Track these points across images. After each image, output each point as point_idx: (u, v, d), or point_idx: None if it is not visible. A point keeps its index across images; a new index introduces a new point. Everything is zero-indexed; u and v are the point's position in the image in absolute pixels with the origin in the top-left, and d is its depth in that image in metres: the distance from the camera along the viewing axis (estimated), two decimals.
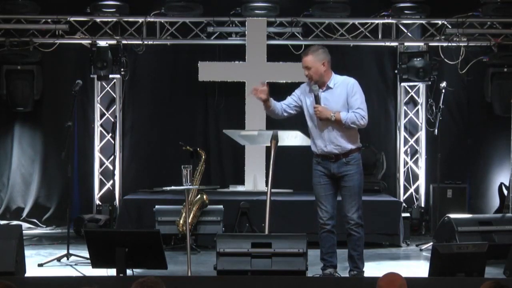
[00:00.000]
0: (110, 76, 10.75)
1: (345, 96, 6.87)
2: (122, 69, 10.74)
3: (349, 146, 6.89)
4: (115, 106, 11.05)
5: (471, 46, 10.76)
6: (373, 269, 7.59)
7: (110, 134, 10.54)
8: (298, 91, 7.09)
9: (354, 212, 6.89)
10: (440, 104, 9.50)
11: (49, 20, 10.77)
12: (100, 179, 11.04)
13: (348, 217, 6.91)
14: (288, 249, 6.59)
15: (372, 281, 6.55)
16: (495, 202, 10.59)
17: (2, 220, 10.66)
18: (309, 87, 6.98)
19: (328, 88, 6.93)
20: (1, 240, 6.85)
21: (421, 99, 11.09)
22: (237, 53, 10.82)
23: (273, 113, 7.09)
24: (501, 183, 10.40)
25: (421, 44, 10.97)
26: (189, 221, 8.04)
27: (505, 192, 10.12)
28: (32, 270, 7.45)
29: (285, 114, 7.09)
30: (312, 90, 6.90)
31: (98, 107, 11.08)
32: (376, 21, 10.90)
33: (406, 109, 11.14)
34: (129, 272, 6.36)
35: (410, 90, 11.13)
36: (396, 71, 10.90)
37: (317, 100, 6.85)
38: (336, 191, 6.99)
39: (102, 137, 11.08)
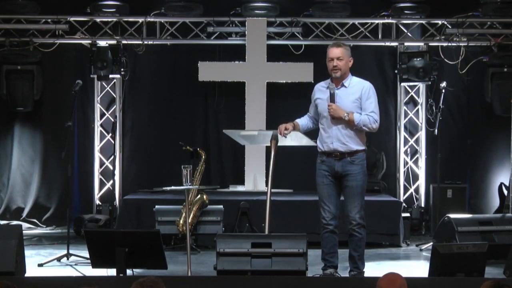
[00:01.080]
0: (110, 76, 10.75)
1: (358, 97, 6.90)
2: (122, 69, 10.74)
3: (355, 147, 6.92)
4: (115, 106, 11.05)
5: (471, 46, 10.76)
6: (373, 269, 7.59)
7: (110, 134, 10.55)
8: (312, 97, 7.10)
9: (356, 212, 6.89)
10: (440, 104, 9.50)
11: (49, 20, 10.76)
12: (100, 179, 11.04)
13: (351, 217, 6.90)
14: (288, 249, 6.58)
15: (372, 281, 6.55)
16: (495, 202, 10.59)
17: (2, 220, 10.66)
18: (326, 85, 7.00)
19: (343, 86, 6.96)
20: (1, 240, 6.85)
21: (421, 99, 11.08)
22: (237, 53, 10.82)
23: (307, 130, 7.12)
24: (501, 183, 10.40)
25: (421, 44, 10.97)
26: (189, 221, 8.05)
27: (505, 192, 10.12)
28: (32, 270, 7.45)
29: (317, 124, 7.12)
30: (329, 87, 6.91)
31: (98, 107, 11.08)
32: (376, 21, 10.90)
33: (406, 109, 11.14)
34: (129, 272, 6.36)
35: (410, 90, 11.13)
36: (396, 71, 10.90)
37: (332, 98, 6.87)
38: (339, 191, 6.98)
39: (102, 137, 11.08)
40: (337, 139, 6.88)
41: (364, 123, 6.85)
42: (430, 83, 10.68)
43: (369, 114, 6.86)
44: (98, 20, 10.82)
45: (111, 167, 10.59)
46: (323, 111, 6.96)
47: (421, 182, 11.02)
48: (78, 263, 7.94)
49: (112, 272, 6.40)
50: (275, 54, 10.79)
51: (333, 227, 6.93)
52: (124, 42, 10.82)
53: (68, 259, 8.13)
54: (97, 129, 11.06)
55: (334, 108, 6.85)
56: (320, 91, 7.06)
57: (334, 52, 6.95)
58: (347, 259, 7.03)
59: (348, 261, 7.04)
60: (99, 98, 11.08)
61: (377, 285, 4.44)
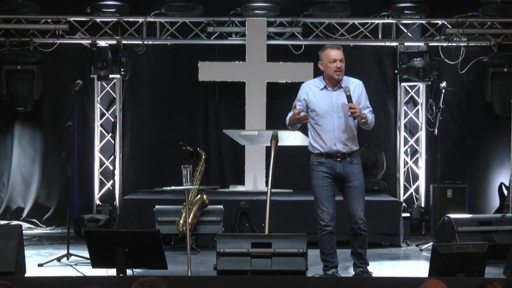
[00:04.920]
0: (110, 76, 10.75)
1: (357, 96, 6.89)
2: (122, 69, 10.74)
3: (355, 147, 6.95)
4: (115, 106, 11.05)
5: (471, 46, 10.76)
6: (373, 269, 7.56)
7: (110, 134, 10.55)
8: (302, 96, 6.98)
9: (361, 211, 6.90)
10: (440, 104, 9.50)
11: (49, 20, 10.77)
12: (100, 179, 11.04)
13: (357, 216, 6.89)
14: (288, 249, 6.58)
15: (372, 281, 6.58)
16: (495, 202, 10.59)
17: (2, 220, 10.66)
18: (320, 85, 6.95)
19: (340, 87, 6.93)
20: (1, 240, 6.84)
21: (421, 99, 11.09)
22: (237, 53, 10.82)
23: (297, 127, 7.04)
24: (501, 183, 10.40)
25: (421, 44, 10.97)
26: (189, 221, 8.04)
27: (505, 192, 10.12)
28: (32, 270, 7.44)
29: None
30: (344, 90, 6.84)
31: (98, 107, 11.08)
32: (376, 21, 10.90)
33: (406, 109, 11.14)
34: (129, 272, 6.36)
35: (410, 90, 11.13)
36: (396, 71, 10.90)
37: (349, 99, 6.81)
38: (336, 192, 6.98)
39: (102, 137, 11.08)
40: (339, 140, 6.87)
41: (372, 122, 6.93)
42: (430, 83, 10.69)
43: (372, 113, 6.93)
44: (98, 20, 10.82)
45: (111, 167, 10.59)
46: (323, 112, 6.89)
47: (421, 182, 11.02)
48: (78, 263, 7.94)
49: (112, 272, 6.40)
50: (275, 54, 10.80)
51: (331, 228, 6.90)
52: (124, 42, 10.82)
53: (68, 259, 8.13)
54: (97, 129, 11.06)
55: (358, 109, 6.78)
56: (313, 92, 6.97)
57: (338, 53, 6.93)
58: (347, 258, 7.02)
59: (353, 259, 7.02)
60: (99, 98, 11.08)
61: None
